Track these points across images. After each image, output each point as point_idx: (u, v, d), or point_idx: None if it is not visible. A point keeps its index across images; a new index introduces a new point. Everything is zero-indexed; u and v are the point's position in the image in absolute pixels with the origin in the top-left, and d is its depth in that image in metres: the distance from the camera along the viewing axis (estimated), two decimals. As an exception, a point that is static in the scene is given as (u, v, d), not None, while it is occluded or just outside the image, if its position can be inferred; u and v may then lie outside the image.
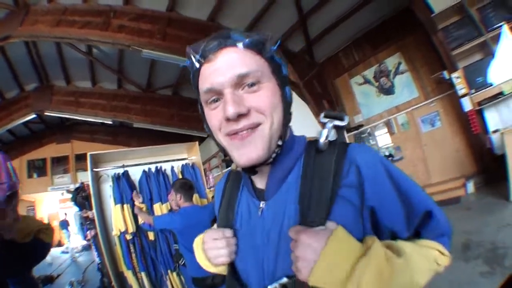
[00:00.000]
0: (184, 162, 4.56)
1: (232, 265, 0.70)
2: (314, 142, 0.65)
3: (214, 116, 0.60)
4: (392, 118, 6.21)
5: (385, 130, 6.36)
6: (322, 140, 0.61)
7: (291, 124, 0.67)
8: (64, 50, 6.86)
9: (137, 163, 4.54)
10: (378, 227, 0.59)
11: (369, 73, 6.51)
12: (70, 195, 6.92)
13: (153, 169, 4.47)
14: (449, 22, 4.52)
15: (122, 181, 4.31)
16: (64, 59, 7.24)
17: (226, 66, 0.57)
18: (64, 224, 11.45)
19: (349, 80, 6.88)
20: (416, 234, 0.62)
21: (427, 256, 0.57)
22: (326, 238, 0.49)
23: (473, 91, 4.33)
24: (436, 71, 5.06)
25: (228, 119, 0.56)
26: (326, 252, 0.48)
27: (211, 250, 0.70)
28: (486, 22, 4.24)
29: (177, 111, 8.27)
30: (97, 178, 4.50)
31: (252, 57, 0.59)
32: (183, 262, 3.01)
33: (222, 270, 0.75)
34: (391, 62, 6.19)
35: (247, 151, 0.57)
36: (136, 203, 3.49)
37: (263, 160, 0.59)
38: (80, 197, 6.00)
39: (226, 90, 0.57)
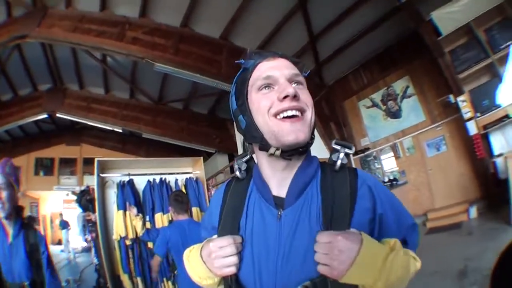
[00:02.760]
0: (188, 176, 4.63)
1: (235, 275, 0.71)
2: (328, 163, 0.76)
3: (266, 98, 0.70)
4: (398, 142, 6.21)
5: (391, 154, 6.35)
6: (339, 162, 0.73)
7: None
8: (80, 55, 7.01)
9: (142, 173, 4.61)
10: (381, 233, 0.71)
11: (377, 96, 6.55)
12: (75, 197, 7.03)
13: (157, 180, 4.54)
14: (456, 44, 4.56)
15: (127, 189, 4.39)
16: (79, 64, 7.38)
17: (283, 66, 0.73)
18: (64, 224, 11.58)
19: (357, 102, 6.91)
20: (404, 243, 0.74)
21: (411, 259, 0.69)
22: (360, 239, 0.59)
23: (478, 114, 4.33)
24: (443, 95, 5.07)
25: (285, 97, 0.67)
26: (364, 251, 0.57)
27: (218, 259, 0.69)
28: (493, 43, 4.24)
29: (187, 125, 8.33)
30: (102, 183, 4.60)
31: (297, 70, 0.75)
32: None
33: (211, 284, 0.76)
34: (399, 85, 6.23)
35: (297, 131, 0.67)
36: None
37: (306, 142, 0.69)
38: (85, 199, 6.12)
39: (281, 80, 0.70)
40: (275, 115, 0.68)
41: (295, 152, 0.69)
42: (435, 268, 3.36)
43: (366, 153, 6.69)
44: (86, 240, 7.64)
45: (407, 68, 6.05)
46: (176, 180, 4.60)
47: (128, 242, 4.14)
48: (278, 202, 0.72)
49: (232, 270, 0.69)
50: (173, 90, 7.58)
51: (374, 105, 6.60)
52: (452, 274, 2.96)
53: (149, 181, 4.54)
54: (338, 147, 0.75)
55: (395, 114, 6.31)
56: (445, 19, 4.40)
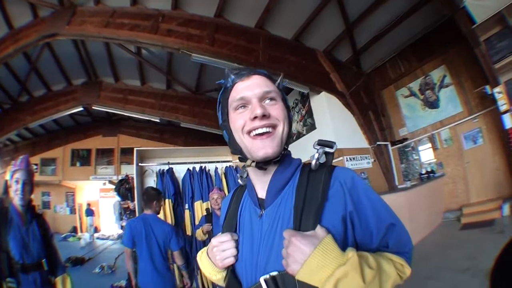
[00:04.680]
0: (228, 164, 4.68)
1: (232, 267, 0.81)
2: (308, 164, 0.80)
3: (240, 117, 0.76)
4: (436, 133, 6.01)
5: (429, 145, 6.16)
6: (313, 162, 0.77)
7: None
8: (113, 49, 7.17)
9: (182, 161, 4.71)
10: (354, 235, 0.71)
11: (415, 85, 6.35)
12: (111, 186, 7.27)
13: (197, 168, 4.62)
14: (491, 33, 4.36)
15: (166, 177, 4.52)
16: (113, 57, 7.54)
17: (255, 85, 0.77)
18: (89, 212, 12.28)
19: (395, 92, 6.76)
20: (385, 246, 0.72)
21: (392, 268, 0.66)
22: (315, 244, 0.61)
23: None
24: (480, 85, 4.88)
25: (255, 118, 0.73)
26: (314, 257, 0.60)
27: (220, 252, 0.81)
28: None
29: (225, 114, 8.27)
30: (141, 172, 4.75)
31: (271, 84, 0.80)
32: None
33: (220, 279, 0.85)
34: (436, 74, 6.02)
35: (265, 148, 0.73)
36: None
37: (275, 155, 0.74)
38: (124, 188, 6.35)
39: (254, 100, 0.75)
40: (248, 132, 0.75)
41: (268, 163, 0.76)
42: (466, 265, 3.32)
43: (404, 143, 6.53)
44: (122, 228, 7.93)
45: (444, 57, 5.86)
46: (216, 168, 4.67)
47: (167, 230, 4.29)
48: (262, 203, 0.80)
49: (231, 260, 0.79)
50: (210, 79, 7.55)
51: (412, 94, 6.41)
52: (482, 272, 2.89)
53: (188, 170, 4.64)
54: (317, 147, 0.79)
55: (433, 104, 6.11)
56: (478, 6, 4.23)
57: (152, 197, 2.97)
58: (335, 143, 0.80)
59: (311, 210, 0.69)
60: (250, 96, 0.76)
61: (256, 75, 0.80)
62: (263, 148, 0.72)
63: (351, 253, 0.61)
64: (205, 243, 3.71)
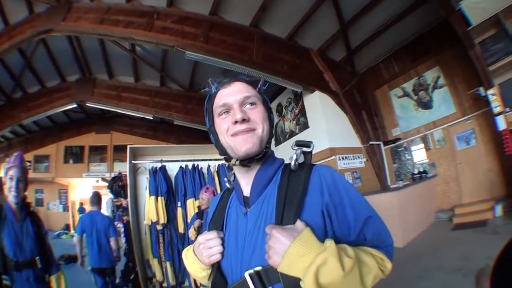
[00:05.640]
0: (220, 162, 4.67)
1: (218, 264, 0.84)
2: (288, 164, 0.84)
3: (224, 122, 0.81)
4: (428, 133, 6.06)
5: (422, 145, 6.20)
6: (292, 162, 0.81)
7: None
8: (108, 46, 7.15)
9: (175, 159, 4.68)
10: (333, 228, 0.74)
11: (408, 86, 6.39)
12: (104, 183, 7.21)
13: (190, 166, 4.60)
14: (486, 35, 4.40)
15: (159, 175, 4.49)
16: (107, 54, 7.52)
17: (236, 91, 0.82)
18: (82, 210, 12.13)
19: (388, 92, 6.79)
20: (363, 239, 0.75)
21: (373, 261, 0.69)
22: (294, 236, 0.64)
23: (508, 109, 4.18)
24: (474, 87, 4.93)
25: (236, 122, 0.77)
26: (293, 247, 0.63)
27: (206, 249, 0.83)
28: (522, 35, 4.07)
29: (218, 112, 8.29)
30: (134, 169, 4.71)
31: (252, 89, 0.84)
32: None
33: (205, 276, 0.88)
34: (430, 75, 6.07)
35: (247, 144, 0.77)
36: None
37: (256, 152, 0.78)
38: (117, 185, 6.28)
39: (235, 105, 0.80)
40: (232, 135, 0.79)
41: (251, 160, 0.80)
42: (458, 265, 3.33)
43: (396, 143, 6.57)
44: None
45: (438, 58, 5.90)
46: (209, 166, 4.65)
47: (159, 227, 4.27)
48: (247, 201, 0.84)
49: (217, 257, 0.82)
50: (204, 77, 7.32)
51: (406, 94, 6.45)
52: (474, 273, 2.89)
53: (181, 167, 4.61)
54: (295, 148, 0.83)
55: (426, 105, 6.15)
56: (474, 9, 4.27)
57: (99, 198, 4.10)
58: (312, 142, 0.84)
59: (292, 206, 0.73)
60: (231, 102, 0.81)
61: (237, 82, 0.85)
62: (245, 143, 0.77)
63: (329, 242, 0.63)
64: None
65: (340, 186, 0.77)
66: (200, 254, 0.85)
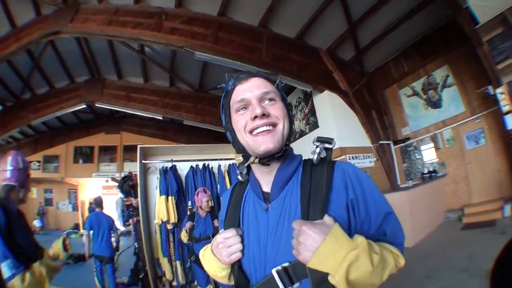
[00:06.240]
0: (231, 162, 4.69)
1: (239, 263, 0.82)
2: (309, 159, 0.84)
3: (242, 118, 0.79)
4: (438, 132, 6.01)
5: (431, 144, 6.15)
6: (315, 156, 0.80)
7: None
8: (117, 47, 7.19)
9: (185, 159, 4.71)
10: (359, 218, 0.75)
11: (418, 85, 6.34)
12: (114, 183, 7.29)
13: (200, 166, 4.62)
14: (494, 34, 4.36)
15: (169, 174, 4.51)
16: (116, 55, 7.56)
17: (254, 87, 0.81)
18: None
19: (398, 91, 6.76)
20: (383, 234, 0.76)
21: (391, 257, 0.70)
22: (325, 232, 0.64)
23: None
24: (483, 86, 4.89)
25: (255, 117, 0.76)
26: (326, 244, 0.62)
27: (226, 248, 0.81)
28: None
29: (228, 112, 8.27)
30: (145, 169, 4.74)
31: (270, 85, 0.84)
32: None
33: (225, 276, 0.86)
34: (439, 74, 6.01)
35: (267, 142, 0.75)
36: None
37: (276, 150, 0.77)
38: (127, 185, 6.33)
39: (253, 100, 0.78)
40: (250, 131, 0.78)
41: (271, 158, 0.78)
42: (466, 265, 3.32)
43: (406, 143, 6.53)
44: (124, 225, 7.96)
45: (447, 57, 5.85)
46: (219, 166, 4.66)
47: (169, 227, 4.30)
48: (267, 197, 0.83)
49: (238, 255, 0.81)
50: (214, 77, 7.59)
51: (415, 93, 6.40)
52: (481, 273, 2.87)
53: (192, 167, 4.64)
54: (317, 143, 0.82)
55: (435, 104, 6.10)
56: (481, 7, 4.23)
57: (101, 202, 5.04)
58: (333, 139, 0.83)
59: (318, 201, 0.73)
60: (249, 98, 0.79)
61: (254, 77, 0.83)
62: (264, 143, 0.75)
63: (360, 238, 0.64)
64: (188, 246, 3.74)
65: (363, 182, 0.78)
66: (220, 254, 0.83)
